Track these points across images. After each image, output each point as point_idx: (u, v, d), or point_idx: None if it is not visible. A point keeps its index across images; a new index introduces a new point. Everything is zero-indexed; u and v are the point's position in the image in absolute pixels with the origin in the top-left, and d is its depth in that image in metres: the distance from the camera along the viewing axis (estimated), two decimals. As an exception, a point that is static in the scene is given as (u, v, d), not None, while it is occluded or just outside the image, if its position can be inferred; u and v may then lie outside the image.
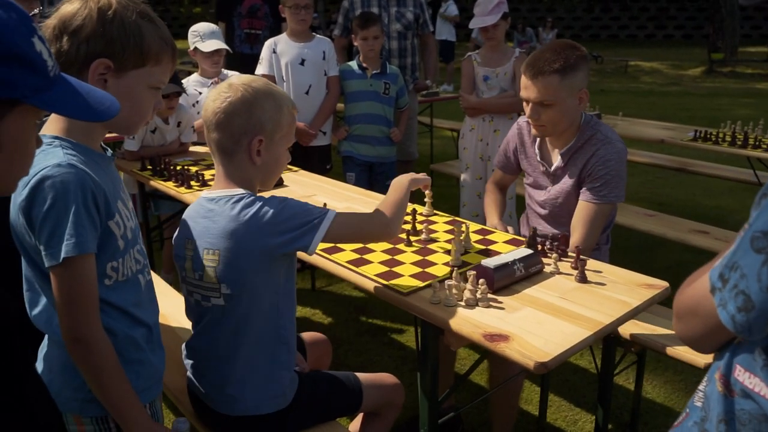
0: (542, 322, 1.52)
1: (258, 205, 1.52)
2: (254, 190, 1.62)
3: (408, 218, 2.26)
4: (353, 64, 3.89)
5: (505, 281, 1.69)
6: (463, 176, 3.97)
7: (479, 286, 1.61)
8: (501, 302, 1.63)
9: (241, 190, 1.56)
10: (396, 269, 1.83)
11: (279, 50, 3.78)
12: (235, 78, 1.59)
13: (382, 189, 3.91)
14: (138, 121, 1.41)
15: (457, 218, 2.30)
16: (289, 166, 3.09)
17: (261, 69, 3.82)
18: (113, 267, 1.36)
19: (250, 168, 1.58)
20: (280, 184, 2.77)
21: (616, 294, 1.67)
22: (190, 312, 1.68)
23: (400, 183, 1.80)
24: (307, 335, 2.09)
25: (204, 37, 3.40)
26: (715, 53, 16.45)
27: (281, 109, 1.57)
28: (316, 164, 3.91)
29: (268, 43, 3.81)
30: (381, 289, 1.73)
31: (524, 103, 2.21)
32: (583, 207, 2.19)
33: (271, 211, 1.50)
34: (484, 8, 3.62)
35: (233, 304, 1.56)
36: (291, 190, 2.72)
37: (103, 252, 1.32)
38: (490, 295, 1.63)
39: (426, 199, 2.23)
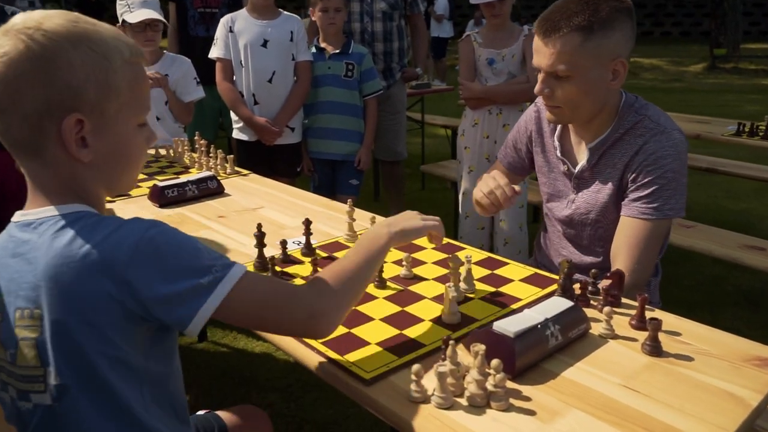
0: (605, 445, 0.86)
1: (107, 229, 0.90)
2: (98, 202, 0.99)
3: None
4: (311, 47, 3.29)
5: (533, 358, 1.04)
6: (464, 182, 3.29)
7: (491, 370, 0.95)
8: (528, 398, 0.97)
9: (75, 206, 0.94)
10: (356, 331, 1.17)
11: (237, 29, 3.14)
12: (18, 18, 0.90)
13: (346, 195, 3.23)
14: None
15: (452, 241, 1.64)
16: (239, 169, 2.44)
17: (215, 51, 3.19)
18: None
19: (77, 170, 0.94)
20: (220, 192, 2.11)
21: (713, 378, 1.02)
22: (8, 414, 1.00)
23: (375, 236, 1.13)
24: (233, 412, 1.40)
25: (133, 5, 2.71)
26: (717, 49, 15.89)
27: (108, 60, 0.92)
28: (284, 166, 3.30)
29: (224, 21, 3.18)
30: (329, 370, 1.07)
31: (537, 75, 1.57)
32: (629, 225, 1.53)
33: (128, 241, 0.88)
34: None
35: (68, 403, 0.91)
36: (233, 200, 2.05)
37: None
38: (509, 385, 0.98)
39: (404, 262, 1.44)
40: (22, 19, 0.90)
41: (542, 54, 1.51)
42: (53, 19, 0.90)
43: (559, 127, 1.71)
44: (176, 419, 1.02)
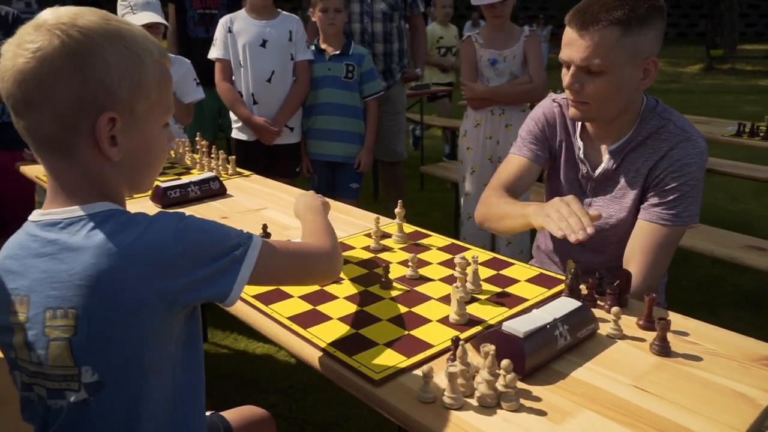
0: (617, 445, 0.86)
1: (141, 225, 0.91)
2: (122, 201, 0.99)
3: (398, 259, 1.60)
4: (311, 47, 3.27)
5: (543, 357, 1.04)
6: (467, 183, 3.27)
7: (501, 370, 0.95)
8: (539, 399, 0.97)
9: (103, 204, 0.94)
10: (364, 331, 1.17)
11: (236, 29, 3.13)
12: (49, 13, 0.88)
13: (345, 198, 3.19)
14: None
15: (457, 242, 1.64)
16: (240, 170, 2.44)
17: (214, 52, 3.18)
18: None
19: (105, 168, 0.94)
20: (222, 192, 2.10)
21: (722, 378, 1.02)
22: (29, 414, 1.00)
23: (313, 206, 1.40)
24: (238, 413, 1.40)
25: (136, 8, 2.70)
26: (714, 50, 15.93)
27: (141, 60, 0.92)
28: (283, 167, 3.29)
29: (223, 21, 3.17)
30: (337, 370, 1.06)
31: (563, 70, 1.52)
32: (647, 230, 1.50)
33: (165, 233, 0.91)
34: None
35: (104, 398, 0.91)
36: (236, 201, 2.05)
37: None
38: (519, 386, 0.97)
39: (409, 263, 1.43)
40: (53, 14, 0.88)
41: (576, 47, 1.45)
42: (87, 15, 0.89)
43: (579, 127, 1.65)
44: (201, 405, 1.05)
